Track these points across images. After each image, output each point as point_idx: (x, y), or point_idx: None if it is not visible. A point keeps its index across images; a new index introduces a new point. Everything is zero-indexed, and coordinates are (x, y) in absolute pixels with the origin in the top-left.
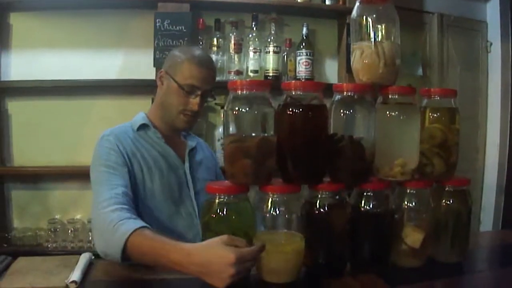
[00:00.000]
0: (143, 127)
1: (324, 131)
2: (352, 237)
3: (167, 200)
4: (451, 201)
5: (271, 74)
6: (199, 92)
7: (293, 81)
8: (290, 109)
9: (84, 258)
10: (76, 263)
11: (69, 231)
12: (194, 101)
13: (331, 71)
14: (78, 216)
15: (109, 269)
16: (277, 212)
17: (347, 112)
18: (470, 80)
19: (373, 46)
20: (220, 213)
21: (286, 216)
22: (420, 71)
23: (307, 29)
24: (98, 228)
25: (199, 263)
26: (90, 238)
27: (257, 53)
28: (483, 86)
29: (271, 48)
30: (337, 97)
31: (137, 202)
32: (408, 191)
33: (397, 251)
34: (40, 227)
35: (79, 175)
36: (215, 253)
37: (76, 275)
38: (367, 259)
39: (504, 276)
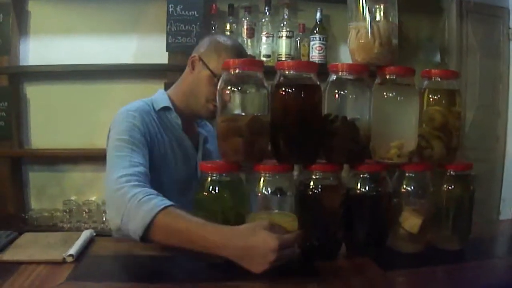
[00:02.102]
0: (164, 109)
1: (317, 111)
2: (347, 219)
3: (173, 191)
4: (452, 186)
5: (283, 59)
6: None
7: (287, 61)
8: (283, 89)
9: (85, 234)
10: (77, 239)
11: (84, 212)
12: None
13: (345, 56)
14: (93, 198)
15: (108, 245)
16: (269, 192)
17: (342, 92)
18: (490, 67)
19: (368, 26)
20: (212, 192)
21: (278, 196)
22: (438, 58)
23: (321, 14)
24: (115, 203)
25: (241, 247)
26: (104, 219)
27: (270, 38)
28: (504, 73)
29: (284, 33)
30: (333, 77)
31: None
32: (407, 174)
33: (394, 235)
34: (56, 208)
35: (94, 158)
36: (259, 238)
37: (74, 249)
38: (363, 242)
39: (503, 265)
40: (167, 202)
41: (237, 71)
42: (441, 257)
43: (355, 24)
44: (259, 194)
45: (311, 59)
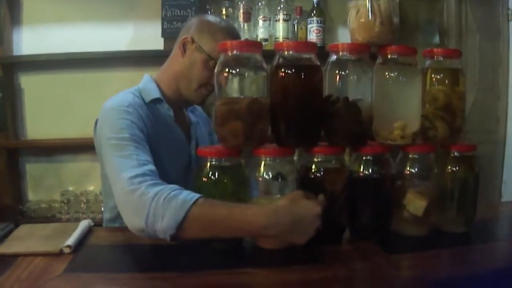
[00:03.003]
0: (155, 101)
1: (318, 92)
2: (351, 203)
3: None
4: (456, 168)
5: (278, 42)
6: None
7: (286, 41)
8: (283, 70)
9: (82, 225)
10: (75, 230)
11: (82, 203)
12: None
13: (343, 38)
14: (91, 188)
15: (106, 235)
16: (270, 176)
17: (343, 73)
18: (490, 49)
19: (369, 4)
20: (212, 177)
21: (279, 180)
22: (437, 39)
23: None
24: (133, 205)
25: (289, 221)
26: (102, 209)
27: (267, 21)
28: (504, 55)
29: (280, 16)
30: (333, 57)
31: None
32: (410, 156)
33: (399, 218)
34: (53, 199)
35: (91, 148)
36: (303, 208)
37: (71, 240)
38: (367, 226)
39: (510, 247)
40: (196, 194)
41: (235, 52)
42: (447, 239)
43: (354, 3)
44: (260, 179)
45: None
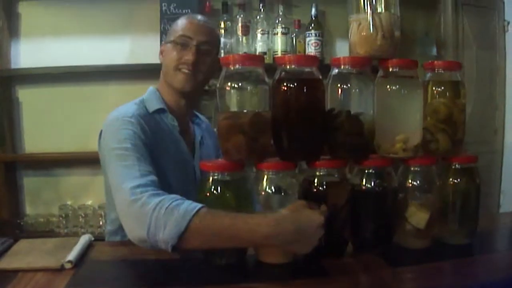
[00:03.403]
0: (159, 111)
1: (320, 106)
2: (353, 216)
3: None
4: (458, 180)
5: (279, 56)
6: (194, 43)
7: (287, 55)
8: (284, 84)
9: (83, 239)
10: (75, 245)
11: (80, 217)
12: (189, 52)
13: (341, 52)
14: (89, 202)
15: (106, 249)
16: (272, 190)
17: (345, 86)
18: (486, 60)
19: (370, 18)
20: (215, 192)
21: (282, 194)
22: (434, 52)
23: (316, 9)
24: (134, 215)
25: (292, 230)
26: (101, 223)
27: (265, 34)
28: (500, 66)
29: (279, 30)
30: (335, 71)
31: None
32: (412, 168)
33: (401, 231)
34: (51, 213)
35: (89, 161)
36: (306, 217)
37: (72, 255)
38: (369, 239)
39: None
40: (198, 205)
41: (237, 66)
42: (449, 252)
43: (356, 17)
44: (262, 193)
45: None
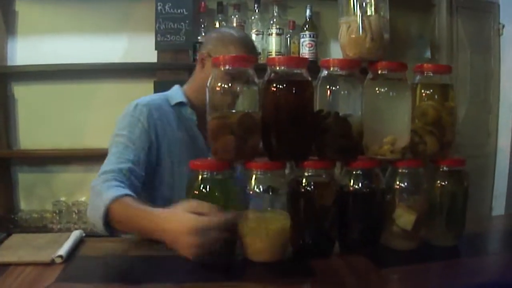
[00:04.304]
0: (179, 104)
1: (309, 107)
2: (341, 217)
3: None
4: (446, 182)
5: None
6: None
7: (277, 57)
8: (274, 85)
9: (74, 235)
10: (67, 240)
11: (73, 213)
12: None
13: (335, 53)
14: (83, 199)
15: (97, 245)
16: (260, 190)
17: (333, 88)
18: (481, 63)
19: (359, 21)
20: (203, 190)
21: (270, 194)
22: (428, 54)
23: (311, 10)
24: (90, 196)
25: (165, 229)
26: None
27: (260, 35)
28: (495, 69)
29: (273, 30)
30: (324, 72)
31: (153, 181)
32: (400, 170)
33: (388, 232)
34: (45, 209)
35: (84, 158)
36: (176, 220)
37: (63, 250)
38: (357, 240)
39: (499, 261)
40: (121, 192)
41: (227, 67)
42: (436, 253)
43: (346, 19)
44: (251, 192)
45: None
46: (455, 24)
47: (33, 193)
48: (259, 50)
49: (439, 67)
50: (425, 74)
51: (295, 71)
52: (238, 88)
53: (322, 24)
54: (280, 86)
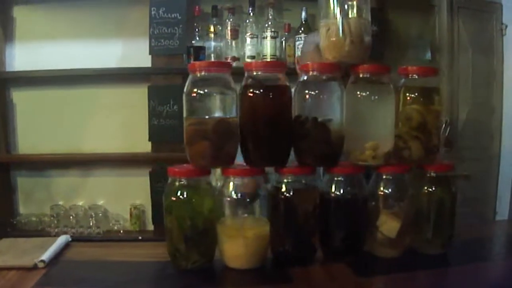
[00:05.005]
0: None
1: (287, 112)
2: (323, 224)
3: None
4: (433, 188)
5: (268, 60)
6: None
7: (254, 61)
8: (251, 90)
9: (60, 240)
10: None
11: (71, 217)
12: None
13: None
14: (80, 203)
15: (83, 250)
16: (238, 196)
17: (313, 92)
18: (483, 64)
19: (339, 23)
20: (181, 196)
21: (248, 200)
22: (429, 55)
23: (306, 13)
24: None
25: None
26: (91, 223)
27: (255, 38)
28: (497, 70)
29: (268, 33)
30: (303, 77)
31: None
32: (384, 176)
33: (373, 240)
34: (44, 213)
35: (81, 163)
36: None
37: (46, 255)
38: (339, 248)
39: (487, 270)
40: None
41: (203, 73)
42: (422, 262)
43: (325, 22)
44: (229, 199)
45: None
46: (456, 25)
47: (32, 197)
48: (254, 54)
49: (424, 69)
50: (410, 77)
51: (273, 75)
52: (214, 94)
53: (317, 27)
54: (257, 91)
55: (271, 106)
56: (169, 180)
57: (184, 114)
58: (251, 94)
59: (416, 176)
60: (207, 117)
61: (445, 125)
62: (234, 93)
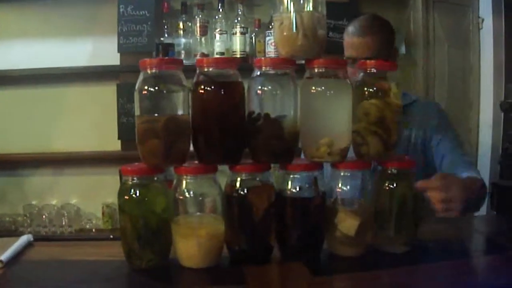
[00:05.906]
0: None
1: (239, 109)
2: (279, 222)
3: None
4: (394, 185)
5: (238, 56)
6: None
7: (206, 58)
8: (202, 87)
9: (21, 239)
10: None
11: (44, 216)
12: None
13: None
14: (53, 202)
15: (44, 249)
16: (191, 194)
17: (266, 88)
18: (460, 58)
19: (293, 17)
20: (133, 195)
21: (200, 198)
22: (403, 50)
23: None
24: None
25: None
26: (64, 223)
27: (224, 35)
28: (474, 64)
29: (237, 29)
30: (256, 73)
31: None
32: (342, 173)
33: (332, 238)
34: (17, 213)
35: (53, 162)
36: None
37: (4, 255)
38: (296, 246)
39: (450, 269)
40: None
41: (154, 70)
42: (384, 260)
43: (278, 15)
44: (181, 198)
45: (267, 55)
46: (431, 18)
47: (5, 197)
48: (223, 50)
49: (381, 63)
50: (368, 71)
51: (225, 72)
52: (165, 91)
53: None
54: (208, 88)
55: (223, 102)
56: (123, 179)
57: (136, 113)
58: (202, 91)
59: (377, 173)
60: (156, 115)
61: None
62: (186, 90)
